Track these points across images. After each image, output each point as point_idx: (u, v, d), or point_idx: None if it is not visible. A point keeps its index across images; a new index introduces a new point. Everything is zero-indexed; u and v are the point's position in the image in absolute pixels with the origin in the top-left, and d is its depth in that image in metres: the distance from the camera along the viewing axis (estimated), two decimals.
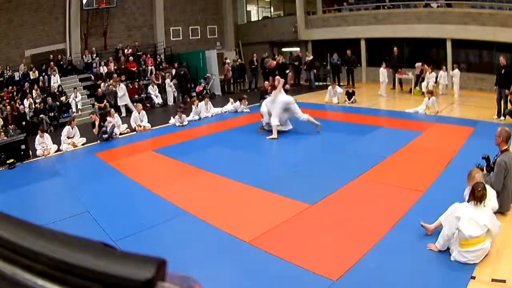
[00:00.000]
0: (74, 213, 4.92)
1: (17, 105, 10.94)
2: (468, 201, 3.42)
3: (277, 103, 8.01)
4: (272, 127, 8.04)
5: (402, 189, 4.98)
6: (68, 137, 8.75)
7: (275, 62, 9.01)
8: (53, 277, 0.39)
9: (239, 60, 17.17)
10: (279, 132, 8.13)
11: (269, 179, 5.61)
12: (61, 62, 13.86)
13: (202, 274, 3.59)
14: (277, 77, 8.47)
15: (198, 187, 5.63)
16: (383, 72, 12.36)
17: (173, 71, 14.35)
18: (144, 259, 0.40)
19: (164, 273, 0.40)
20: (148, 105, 13.30)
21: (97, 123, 9.17)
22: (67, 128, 8.80)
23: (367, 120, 9.14)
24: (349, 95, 11.66)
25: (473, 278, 3.09)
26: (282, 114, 8.08)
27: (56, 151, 8.52)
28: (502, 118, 8.48)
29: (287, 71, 8.56)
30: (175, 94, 14.16)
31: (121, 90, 12.56)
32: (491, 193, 3.78)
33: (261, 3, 20.25)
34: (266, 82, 10.59)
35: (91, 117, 9.67)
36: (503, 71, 8.74)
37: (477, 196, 3.33)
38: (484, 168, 4.43)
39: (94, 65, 14.24)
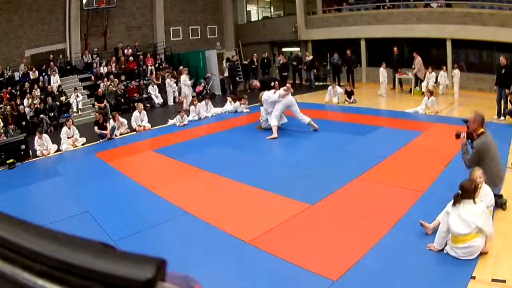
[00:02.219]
0: (74, 213, 4.91)
1: (17, 105, 10.94)
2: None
3: (279, 104, 8.14)
4: (272, 127, 8.09)
5: (402, 189, 4.98)
6: (68, 137, 8.76)
7: (259, 83, 9.50)
8: (53, 277, 0.39)
9: (237, 59, 17.07)
10: (278, 128, 8.23)
11: (269, 179, 5.60)
12: (60, 63, 13.85)
13: (202, 274, 3.59)
14: (288, 84, 8.74)
15: (198, 187, 5.63)
16: (382, 72, 12.35)
17: (227, 64, 15.19)
18: (144, 259, 0.40)
19: (164, 273, 0.40)
20: (148, 105, 13.30)
21: (99, 122, 9.22)
22: (64, 129, 8.79)
23: (367, 120, 9.14)
24: (348, 94, 11.66)
25: (473, 278, 3.08)
26: (282, 114, 8.27)
27: (56, 151, 8.52)
28: (502, 118, 8.48)
29: (272, 84, 8.93)
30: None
31: (186, 80, 13.05)
32: (487, 189, 3.80)
33: (261, 3, 20.24)
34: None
35: (96, 115, 9.69)
36: (503, 71, 8.74)
37: (456, 198, 3.40)
38: (463, 134, 4.44)
39: (94, 65, 14.25)
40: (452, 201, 3.44)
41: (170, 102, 14.03)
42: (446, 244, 3.45)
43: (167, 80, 14.07)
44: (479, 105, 9.58)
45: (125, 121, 9.83)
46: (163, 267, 0.40)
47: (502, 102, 8.66)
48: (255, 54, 16.36)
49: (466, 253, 3.28)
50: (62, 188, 6.24)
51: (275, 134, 8.01)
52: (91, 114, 12.12)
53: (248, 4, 20.53)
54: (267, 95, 8.44)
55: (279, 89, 8.77)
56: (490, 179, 4.15)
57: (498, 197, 4.21)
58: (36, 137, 8.41)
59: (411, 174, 5.47)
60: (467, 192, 3.37)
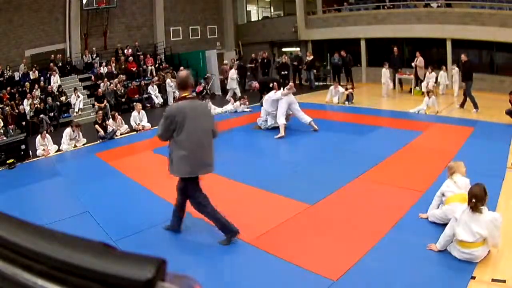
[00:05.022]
0: (74, 213, 4.91)
1: (17, 105, 10.94)
2: (468, 204, 3.39)
3: (282, 102, 8.17)
4: (280, 126, 8.11)
5: (402, 189, 4.98)
6: (71, 139, 8.76)
7: (258, 84, 9.56)
8: (53, 277, 0.39)
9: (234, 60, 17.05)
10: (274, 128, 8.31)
11: (269, 179, 5.60)
12: (59, 64, 13.86)
13: (202, 274, 3.58)
14: (291, 83, 8.83)
15: None
16: (385, 73, 12.19)
17: (236, 63, 15.42)
18: (144, 259, 0.40)
19: (164, 273, 0.40)
20: (148, 105, 13.31)
21: (99, 122, 9.23)
22: (69, 130, 8.76)
23: (367, 120, 9.14)
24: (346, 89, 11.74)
25: (473, 278, 3.08)
26: (286, 113, 8.30)
27: (56, 151, 8.52)
28: (474, 110, 9.31)
29: (271, 85, 8.99)
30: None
31: (233, 74, 13.56)
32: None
33: (261, 3, 20.25)
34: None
35: (98, 114, 9.71)
36: (464, 67, 9.99)
37: (471, 206, 3.30)
38: None
39: (96, 65, 14.25)
40: (465, 206, 3.35)
41: (170, 102, 14.03)
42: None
43: (168, 80, 14.07)
44: (479, 105, 9.58)
45: (122, 123, 9.84)
46: (163, 267, 0.40)
47: (470, 94, 9.66)
48: (253, 54, 16.37)
49: (467, 258, 3.29)
50: (62, 188, 6.23)
51: (282, 133, 8.00)
52: (91, 114, 12.12)
53: (248, 4, 20.54)
54: (268, 96, 8.48)
55: (279, 89, 8.78)
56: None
57: None
58: (39, 137, 8.41)
59: (411, 174, 5.47)
60: (480, 197, 3.28)
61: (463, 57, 10.18)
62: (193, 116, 3.40)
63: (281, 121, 8.09)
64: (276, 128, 8.29)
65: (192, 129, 3.42)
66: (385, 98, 12.27)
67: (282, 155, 7.42)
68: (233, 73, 13.68)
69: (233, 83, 13.69)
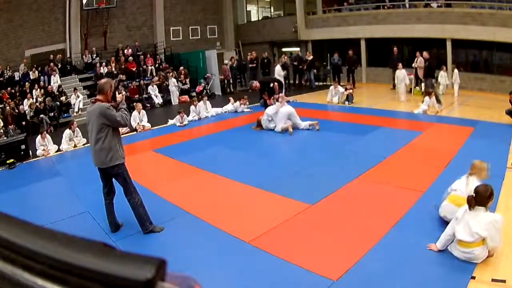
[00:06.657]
0: (74, 213, 4.92)
1: (17, 105, 10.94)
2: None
3: (280, 114, 8.40)
4: (282, 129, 8.34)
5: (402, 189, 4.98)
6: (70, 140, 8.76)
7: (259, 84, 9.61)
8: (53, 277, 0.39)
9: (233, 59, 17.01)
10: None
11: (269, 179, 5.60)
12: (59, 64, 13.86)
13: (202, 274, 3.58)
14: (281, 94, 8.85)
15: (198, 187, 5.63)
16: (399, 75, 11.56)
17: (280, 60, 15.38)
18: (144, 259, 0.40)
19: (164, 273, 0.40)
20: (148, 105, 13.31)
21: None
22: (68, 132, 8.76)
23: (367, 120, 9.14)
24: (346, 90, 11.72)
25: (473, 278, 3.08)
26: (285, 122, 8.47)
27: (56, 151, 8.52)
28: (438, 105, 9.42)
29: (271, 85, 9.01)
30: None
31: (279, 71, 13.44)
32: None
33: (261, 3, 20.24)
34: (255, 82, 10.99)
35: None
36: (426, 64, 10.31)
37: (469, 201, 3.31)
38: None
39: (98, 65, 14.25)
40: (467, 206, 3.33)
41: (176, 101, 14.03)
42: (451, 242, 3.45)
43: (172, 80, 14.07)
44: (479, 105, 9.59)
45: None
46: (163, 267, 0.40)
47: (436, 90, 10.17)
48: (252, 53, 16.39)
49: (467, 257, 3.29)
50: (62, 188, 6.23)
51: (290, 130, 8.21)
52: None
53: (248, 4, 20.53)
54: (271, 111, 8.56)
55: (278, 90, 8.79)
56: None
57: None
58: (39, 137, 8.42)
59: (411, 174, 5.47)
60: (482, 198, 3.27)
61: (425, 54, 10.35)
62: (89, 117, 4.13)
63: (278, 129, 8.35)
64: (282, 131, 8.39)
65: (89, 128, 4.18)
66: (403, 101, 11.40)
67: (282, 155, 7.42)
68: (279, 70, 13.32)
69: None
